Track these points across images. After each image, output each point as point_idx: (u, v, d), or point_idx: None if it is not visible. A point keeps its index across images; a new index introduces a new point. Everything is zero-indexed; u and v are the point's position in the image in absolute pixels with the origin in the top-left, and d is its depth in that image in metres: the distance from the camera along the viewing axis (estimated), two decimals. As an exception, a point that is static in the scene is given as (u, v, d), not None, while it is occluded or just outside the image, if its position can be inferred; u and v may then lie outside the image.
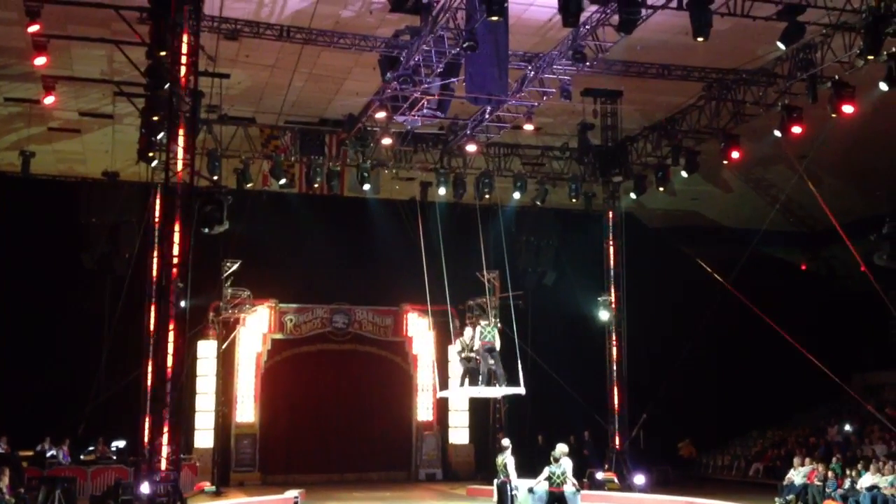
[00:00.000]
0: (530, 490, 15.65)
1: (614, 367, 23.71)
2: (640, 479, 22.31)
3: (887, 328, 27.67)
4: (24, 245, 22.79)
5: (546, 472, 14.97)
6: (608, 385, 23.75)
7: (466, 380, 17.72)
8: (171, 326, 13.55)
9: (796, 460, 21.19)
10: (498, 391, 18.08)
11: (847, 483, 19.41)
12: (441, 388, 21.01)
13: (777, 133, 18.66)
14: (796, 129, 18.23)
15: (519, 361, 17.21)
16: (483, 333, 17.27)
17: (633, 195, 23.33)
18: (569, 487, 15.01)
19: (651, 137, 22.22)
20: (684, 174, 21.36)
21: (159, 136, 16.69)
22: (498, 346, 17.23)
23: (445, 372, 26.55)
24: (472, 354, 17.45)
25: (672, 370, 22.77)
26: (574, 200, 23.87)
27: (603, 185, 24.10)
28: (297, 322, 26.74)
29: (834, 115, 17.40)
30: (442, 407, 27.04)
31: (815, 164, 20.35)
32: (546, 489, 15.10)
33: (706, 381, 26.57)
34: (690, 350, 22.95)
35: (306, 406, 26.32)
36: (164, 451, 13.14)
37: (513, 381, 17.43)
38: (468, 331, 17.94)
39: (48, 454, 20.92)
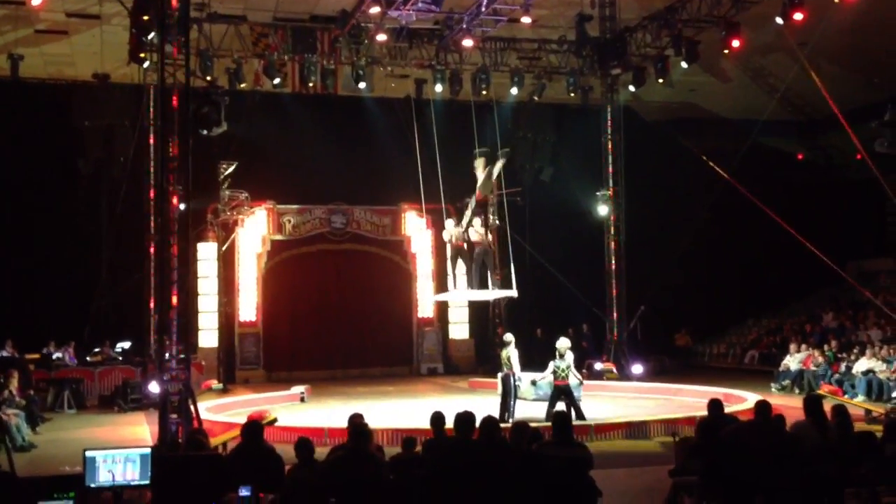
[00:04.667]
0: (533, 382, 16.04)
1: (612, 261, 23.89)
2: (637, 368, 22.76)
3: (883, 215, 27.83)
4: (19, 150, 22.57)
5: (551, 366, 15.34)
6: (606, 278, 23.99)
7: (458, 270, 17.71)
8: (174, 229, 13.53)
9: (792, 347, 21.63)
10: (491, 294, 18.35)
11: (842, 368, 19.85)
12: (437, 292, 21.18)
13: (778, 20, 18.38)
14: (798, 16, 17.96)
15: (511, 264, 17.35)
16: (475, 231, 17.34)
17: (631, 88, 23.14)
18: (572, 380, 15.40)
19: (650, 27, 21.83)
20: (684, 65, 21.10)
21: (150, 37, 16.37)
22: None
23: (443, 273, 26.85)
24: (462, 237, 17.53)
25: (669, 262, 22.97)
26: (572, 95, 23.65)
27: (601, 79, 23.81)
28: (295, 223, 26.80)
29: (836, 1, 17.13)
30: (442, 303, 27.33)
31: (815, 52, 20.09)
32: (550, 382, 15.50)
33: (702, 271, 26.85)
34: (687, 242, 23.11)
35: (308, 305, 26.60)
36: (173, 350, 13.28)
37: (506, 283, 17.73)
38: (450, 223, 17.93)
39: (54, 356, 21.24)
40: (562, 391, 15.20)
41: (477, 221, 17.30)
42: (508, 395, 15.41)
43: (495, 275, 17.74)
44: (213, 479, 6.81)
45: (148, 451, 7.03)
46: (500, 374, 16.01)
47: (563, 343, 15.63)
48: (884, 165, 18.90)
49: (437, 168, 18.98)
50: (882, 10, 19.93)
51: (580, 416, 15.03)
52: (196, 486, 6.77)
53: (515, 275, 17.50)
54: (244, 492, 6.62)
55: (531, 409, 15.67)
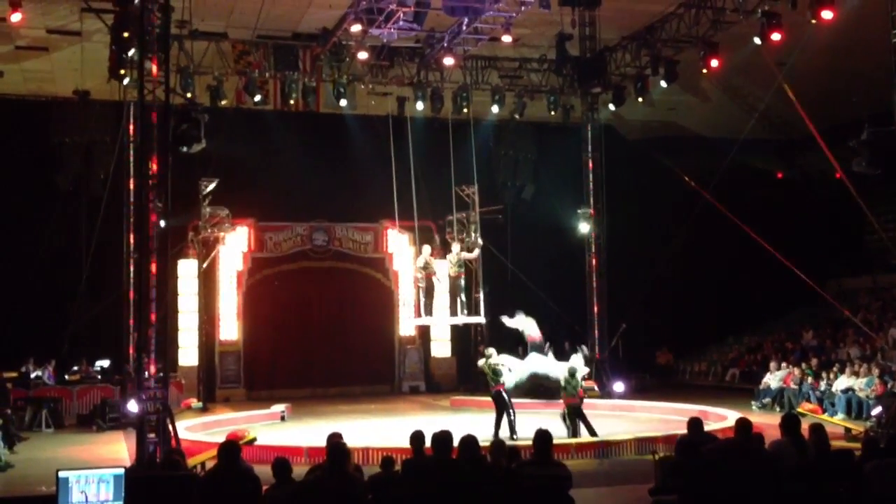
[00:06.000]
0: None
1: (593, 279, 23.94)
2: (619, 386, 22.77)
3: (862, 234, 28.03)
4: (-2, 167, 22.50)
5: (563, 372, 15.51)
6: (587, 296, 24.01)
7: (427, 302, 18.15)
8: (153, 247, 13.45)
9: (772, 365, 21.70)
10: (460, 320, 18.93)
11: (822, 385, 19.91)
12: (416, 315, 21.29)
13: (756, 40, 18.55)
14: (776, 36, 18.13)
15: (481, 293, 17.66)
16: (451, 262, 17.78)
17: (611, 106, 23.29)
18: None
19: (630, 47, 22.00)
20: (664, 84, 21.25)
21: (130, 53, 16.34)
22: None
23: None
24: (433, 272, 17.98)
25: (649, 280, 23.03)
26: (552, 113, 23.75)
27: (581, 97, 23.94)
28: (276, 240, 26.74)
29: (813, 21, 17.31)
30: (423, 321, 27.26)
31: (793, 72, 20.25)
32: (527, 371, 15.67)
33: (683, 289, 26.92)
34: (668, 259, 23.20)
35: (289, 323, 26.48)
36: (152, 369, 13.18)
37: (475, 309, 18.70)
38: (427, 249, 18.33)
39: (32, 375, 21.02)
40: (574, 409, 15.28)
41: (453, 257, 17.76)
42: (506, 409, 15.34)
43: (475, 294, 18.03)
44: (187, 499, 6.74)
45: (122, 471, 6.95)
46: (491, 393, 15.87)
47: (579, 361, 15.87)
48: (862, 184, 19.03)
49: (420, 186, 19.06)
50: (858, 30, 20.13)
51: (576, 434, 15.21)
52: (170, 507, 6.70)
53: (496, 293, 17.69)
54: (219, 512, 6.55)
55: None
